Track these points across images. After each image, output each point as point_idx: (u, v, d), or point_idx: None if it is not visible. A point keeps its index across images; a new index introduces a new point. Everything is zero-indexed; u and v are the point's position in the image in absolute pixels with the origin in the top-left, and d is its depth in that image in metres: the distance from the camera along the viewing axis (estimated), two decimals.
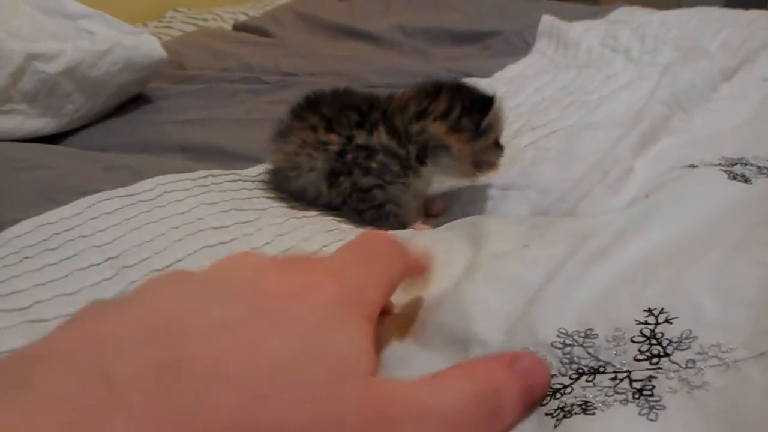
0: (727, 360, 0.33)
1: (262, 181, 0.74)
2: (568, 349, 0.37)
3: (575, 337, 0.37)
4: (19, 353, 0.25)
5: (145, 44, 1.02)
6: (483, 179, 0.69)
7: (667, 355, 0.34)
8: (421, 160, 0.66)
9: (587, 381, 0.35)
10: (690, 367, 0.33)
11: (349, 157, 0.65)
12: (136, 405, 0.22)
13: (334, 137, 0.66)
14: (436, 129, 0.64)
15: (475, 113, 0.65)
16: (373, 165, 0.65)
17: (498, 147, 0.68)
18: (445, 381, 0.31)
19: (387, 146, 0.65)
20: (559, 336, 0.37)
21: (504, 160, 0.70)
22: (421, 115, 0.65)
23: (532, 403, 0.33)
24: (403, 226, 0.66)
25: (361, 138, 0.65)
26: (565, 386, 0.35)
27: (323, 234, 0.60)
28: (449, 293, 0.43)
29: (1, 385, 0.22)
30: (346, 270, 0.33)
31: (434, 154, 0.65)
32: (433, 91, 0.66)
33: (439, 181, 0.70)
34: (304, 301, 0.29)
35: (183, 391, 0.23)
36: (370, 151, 0.65)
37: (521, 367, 0.33)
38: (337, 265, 0.33)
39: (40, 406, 0.21)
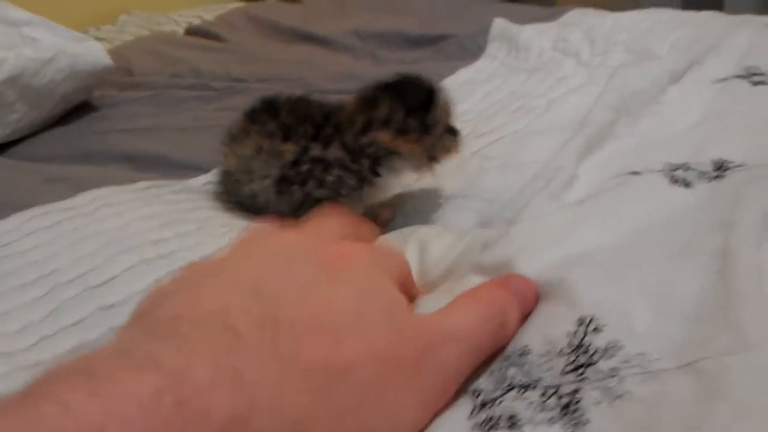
0: (649, 369, 0.33)
1: (206, 191, 0.73)
2: (503, 371, 0.37)
3: (513, 358, 0.37)
4: (156, 317, 0.31)
5: (90, 51, 1.01)
6: (441, 170, 0.69)
7: (592, 364, 0.34)
8: (376, 172, 0.65)
9: (517, 393, 0.35)
10: (613, 376, 0.33)
11: (304, 167, 0.64)
12: (257, 348, 0.29)
13: (290, 146, 0.64)
14: (382, 138, 0.64)
15: (419, 110, 0.64)
16: (329, 178, 0.64)
17: (451, 132, 0.68)
18: (463, 307, 0.38)
19: (342, 161, 0.64)
20: (499, 361, 0.38)
21: (462, 141, 0.69)
22: (366, 127, 0.64)
23: (526, 315, 0.40)
24: None
25: (316, 150, 0.64)
26: (495, 398, 0.36)
27: None
28: None
29: (161, 337, 0.29)
30: (371, 250, 0.40)
31: (387, 162, 0.65)
32: (374, 96, 0.65)
33: (393, 186, 0.69)
34: (350, 262, 0.36)
35: (284, 340, 0.30)
36: (326, 164, 0.64)
37: (514, 287, 0.41)
38: (362, 244, 0.41)
39: (197, 348, 0.28)
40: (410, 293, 0.45)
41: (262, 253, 0.37)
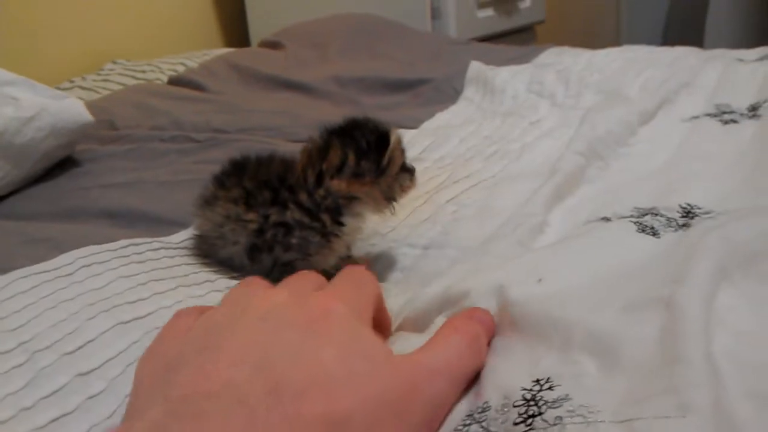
0: (590, 419, 0.34)
1: (185, 248, 0.74)
2: (467, 428, 0.38)
3: (474, 415, 0.39)
4: (174, 395, 0.36)
5: (71, 108, 1.02)
6: (399, 208, 0.70)
7: (540, 414, 0.35)
8: (339, 222, 0.65)
9: None
10: (556, 424, 0.34)
11: (269, 235, 0.65)
12: (267, 415, 0.34)
13: (253, 216, 0.65)
14: (337, 187, 0.64)
15: (372, 153, 0.65)
16: (293, 241, 0.64)
17: (406, 170, 0.68)
18: (442, 341, 0.43)
19: (301, 222, 0.64)
20: (463, 420, 0.39)
21: (417, 180, 0.70)
22: (319, 179, 0.64)
23: (490, 339, 0.45)
24: None
25: (275, 216, 0.64)
26: None
27: None
28: None
29: (184, 415, 0.34)
30: (345, 294, 0.45)
31: (347, 209, 0.65)
32: (323, 144, 0.65)
33: (359, 231, 0.69)
34: (330, 320, 0.40)
35: (288, 401, 0.34)
36: (287, 227, 0.64)
37: (478, 317, 0.46)
38: (337, 291, 0.46)
39: (220, 426, 0.33)
40: (384, 315, 0.52)
41: (252, 320, 0.41)
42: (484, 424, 0.38)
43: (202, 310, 0.48)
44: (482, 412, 0.39)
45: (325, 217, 0.64)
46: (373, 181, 0.65)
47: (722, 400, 0.33)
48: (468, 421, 0.38)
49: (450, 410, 0.40)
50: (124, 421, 0.41)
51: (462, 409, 0.41)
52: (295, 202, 0.64)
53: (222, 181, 0.68)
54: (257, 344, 0.38)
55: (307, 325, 0.40)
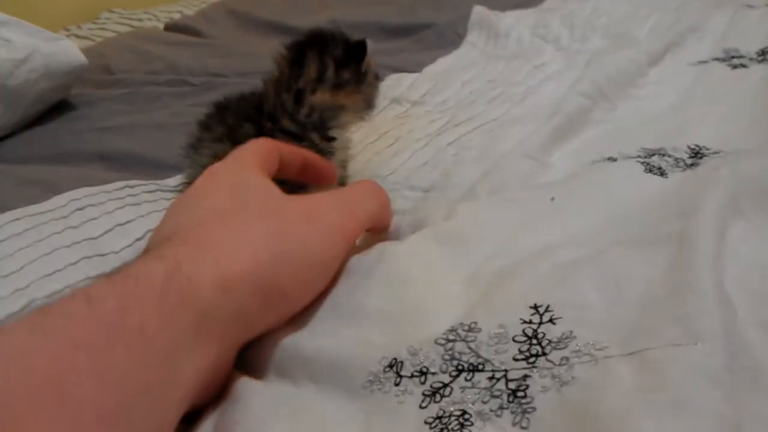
0: (597, 356, 0.33)
1: (181, 191, 0.72)
2: (450, 344, 0.37)
3: (459, 331, 0.37)
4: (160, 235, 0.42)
5: (65, 50, 1.00)
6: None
7: (544, 354, 0.34)
8: (328, 137, 0.63)
9: (466, 380, 0.35)
10: (563, 364, 0.33)
11: None
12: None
13: None
14: (321, 99, 0.62)
15: (351, 62, 0.63)
16: None
17: (377, 77, 0.68)
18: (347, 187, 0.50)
19: None
20: (444, 333, 0.38)
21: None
22: (299, 97, 0.62)
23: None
24: None
25: None
26: (445, 385, 0.35)
27: None
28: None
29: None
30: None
31: (333, 121, 0.63)
32: (297, 59, 0.63)
33: (348, 144, 0.67)
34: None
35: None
36: None
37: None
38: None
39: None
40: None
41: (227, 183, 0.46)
42: (472, 345, 0.36)
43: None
44: (469, 331, 0.37)
45: (314, 136, 0.62)
46: (356, 90, 0.63)
47: (733, 328, 0.33)
48: (451, 336, 0.37)
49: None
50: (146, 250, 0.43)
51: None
52: (280, 129, 0.62)
53: (207, 124, 0.66)
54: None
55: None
